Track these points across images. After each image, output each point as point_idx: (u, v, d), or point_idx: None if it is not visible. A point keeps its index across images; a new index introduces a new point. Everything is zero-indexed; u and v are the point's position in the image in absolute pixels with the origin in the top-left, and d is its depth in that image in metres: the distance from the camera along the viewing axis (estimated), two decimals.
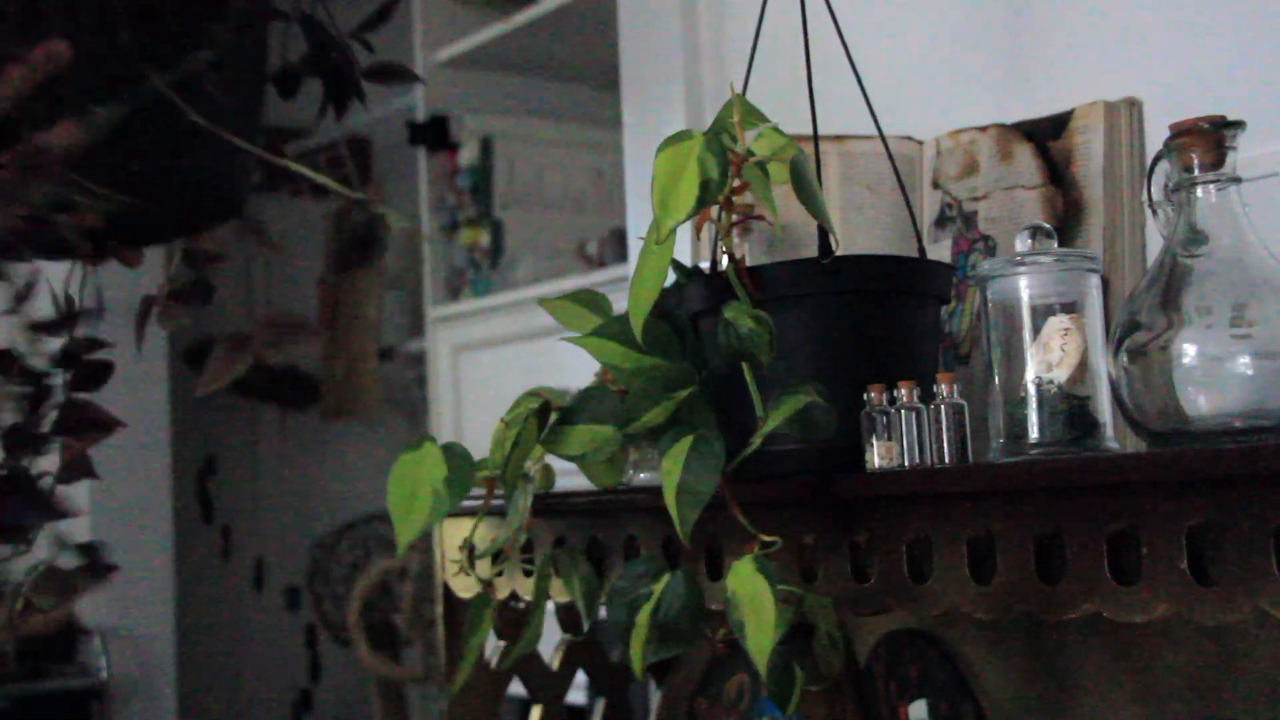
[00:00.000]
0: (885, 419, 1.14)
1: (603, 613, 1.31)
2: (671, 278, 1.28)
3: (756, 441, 1.13)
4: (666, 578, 1.17)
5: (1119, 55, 1.49)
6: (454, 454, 1.23)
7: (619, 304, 1.23)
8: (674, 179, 1.10)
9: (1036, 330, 1.15)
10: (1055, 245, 1.20)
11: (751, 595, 1.08)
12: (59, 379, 1.10)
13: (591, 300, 1.31)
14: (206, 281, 1.11)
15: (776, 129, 1.14)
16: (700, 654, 1.73)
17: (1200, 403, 1.07)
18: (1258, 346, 1.06)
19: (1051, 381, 1.14)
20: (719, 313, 1.16)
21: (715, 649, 1.17)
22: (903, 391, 1.13)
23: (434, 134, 3.24)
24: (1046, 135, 1.45)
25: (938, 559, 1.07)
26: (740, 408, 1.17)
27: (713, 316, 1.21)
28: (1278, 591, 0.88)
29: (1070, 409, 1.13)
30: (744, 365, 1.14)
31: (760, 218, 1.24)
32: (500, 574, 1.37)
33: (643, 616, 1.15)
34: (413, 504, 1.22)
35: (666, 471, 1.11)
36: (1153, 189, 1.18)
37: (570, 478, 1.41)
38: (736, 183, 1.14)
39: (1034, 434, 1.14)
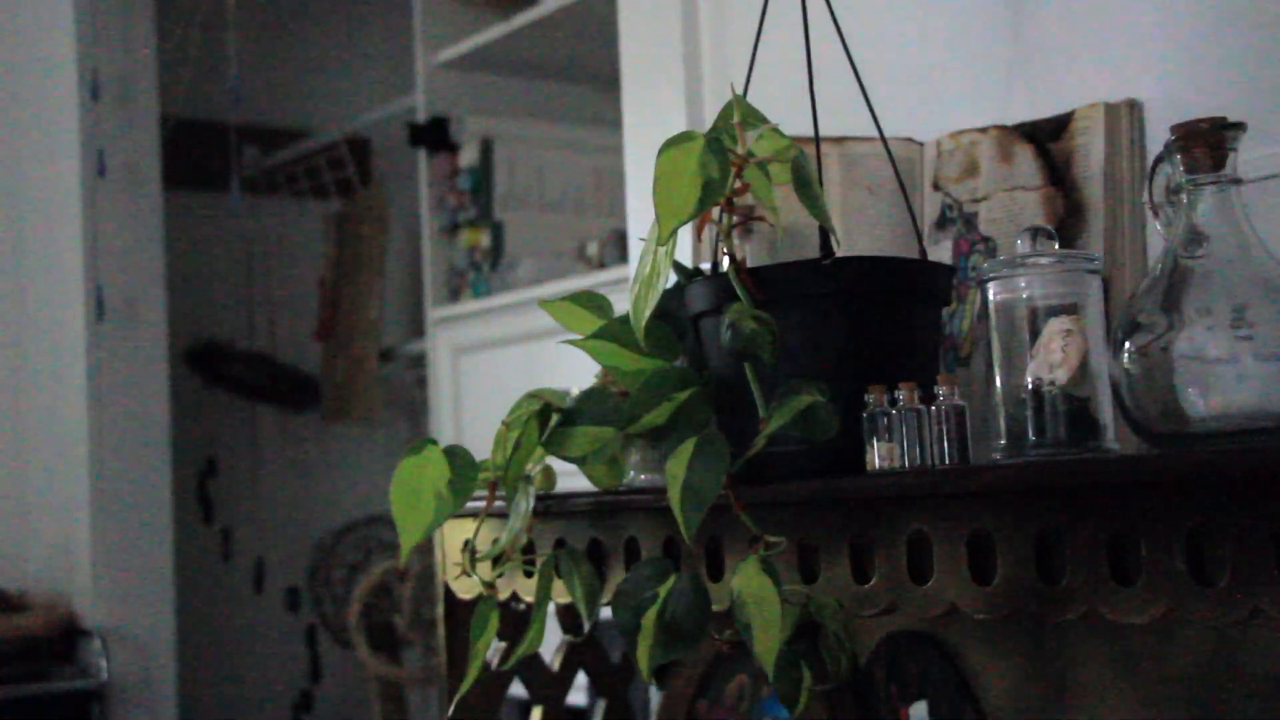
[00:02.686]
0: (886, 420, 1.14)
1: (604, 613, 1.31)
2: (673, 279, 1.28)
3: (760, 442, 1.13)
4: (672, 579, 1.17)
5: (1119, 56, 1.49)
6: (457, 457, 1.23)
7: (620, 305, 1.23)
8: (675, 180, 1.10)
9: (1037, 331, 1.15)
10: (1056, 246, 1.21)
11: (757, 596, 1.08)
12: None
13: (592, 302, 1.31)
14: None
15: (777, 130, 1.14)
16: (701, 655, 1.73)
17: (1201, 404, 1.07)
18: (1258, 348, 1.06)
19: (1052, 382, 1.14)
20: (720, 313, 1.16)
21: (720, 650, 1.17)
22: (903, 393, 1.14)
23: (434, 135, 3.24)
24: (1047, 136, 1.45)
25: (938, 559, 1.07)
26: (742, 408, 1.17)
27: (714, 317, 1.21)
28: (1278, 591, 0.89)
29: (1071, 410, 1.13)
30: (747, 366, 1.14)
31: (761, 219, 1.24)
32: (500, 575, 1.37)
33: (649, 619, 1.15)
34: (416, 507, 1.22)
35: (671, 473, 1.11)
36: (1154, 190, 1.18)
37: (571, 479, 1.41)
38: (738, 184, 1.14)
39: (1034, 435, 1.14)
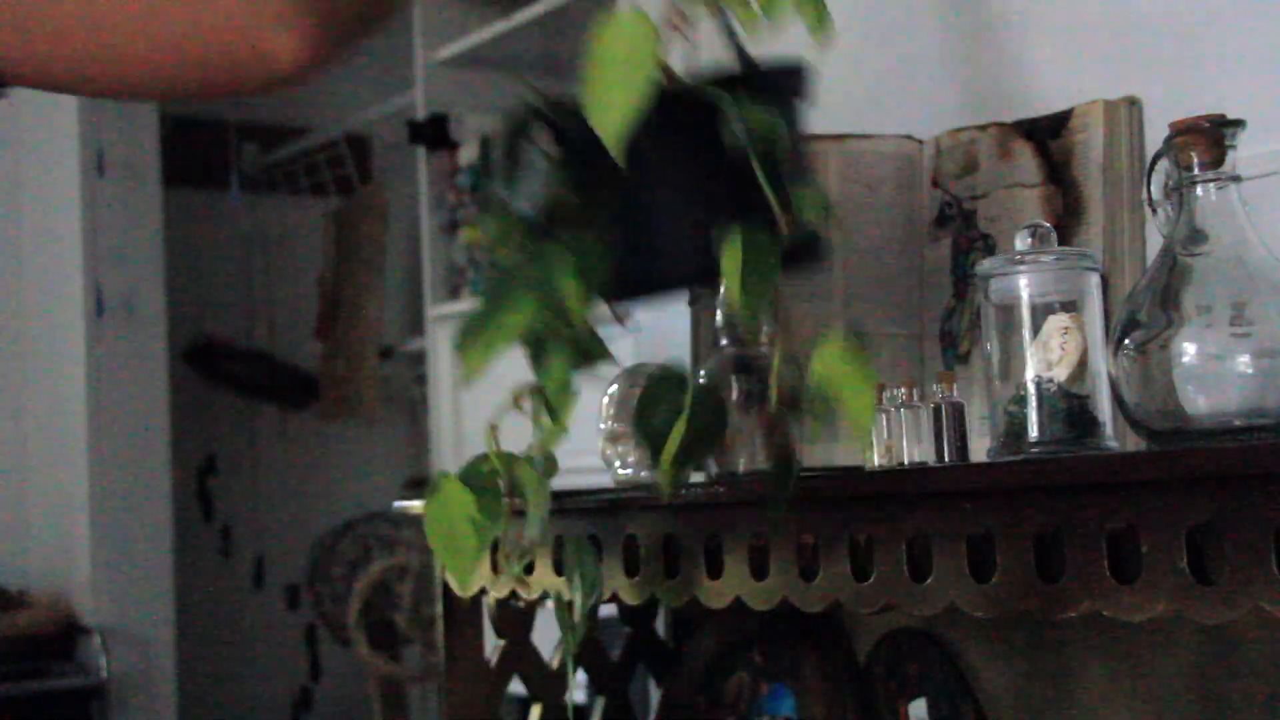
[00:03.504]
0: (884, 418, 1.14)
1: (602, 611, 1.30)
2: None
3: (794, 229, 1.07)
4: (692, 387, 1.13)
5: (1119, 54, 1.49)
6: (473, 479, 1.21)
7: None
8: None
9: (1036, 329, 1.15)
10: (1055, 244, 1.20)
11: (839, 370, 1.05)
12: None
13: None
14: None
15: None
16: (701, 653, 1.73)
17: (1200, 401, 1.07)
18: (1257, 345, 1.06)
19: (1051, 380, 1.13)
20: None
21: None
22: (902, 391, 1.13)
23: (434, 132, 3.24)
24: (1046, 134, 1.45)
25: (937, 558, 1.07)
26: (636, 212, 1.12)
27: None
28: (1278, 591, 0.88)
29: (1070, 408, 1.13)
30: (755, 162, 1.06)
31: None
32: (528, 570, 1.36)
33: (679, 425, 1.11)
34: (457, 540, 1.20)
35: (728, 268, 1.05)
36: (1153, 188, 1.18)
37: (570, 476, 1.40)
38: None
39: (1033, 433, 1.14)
